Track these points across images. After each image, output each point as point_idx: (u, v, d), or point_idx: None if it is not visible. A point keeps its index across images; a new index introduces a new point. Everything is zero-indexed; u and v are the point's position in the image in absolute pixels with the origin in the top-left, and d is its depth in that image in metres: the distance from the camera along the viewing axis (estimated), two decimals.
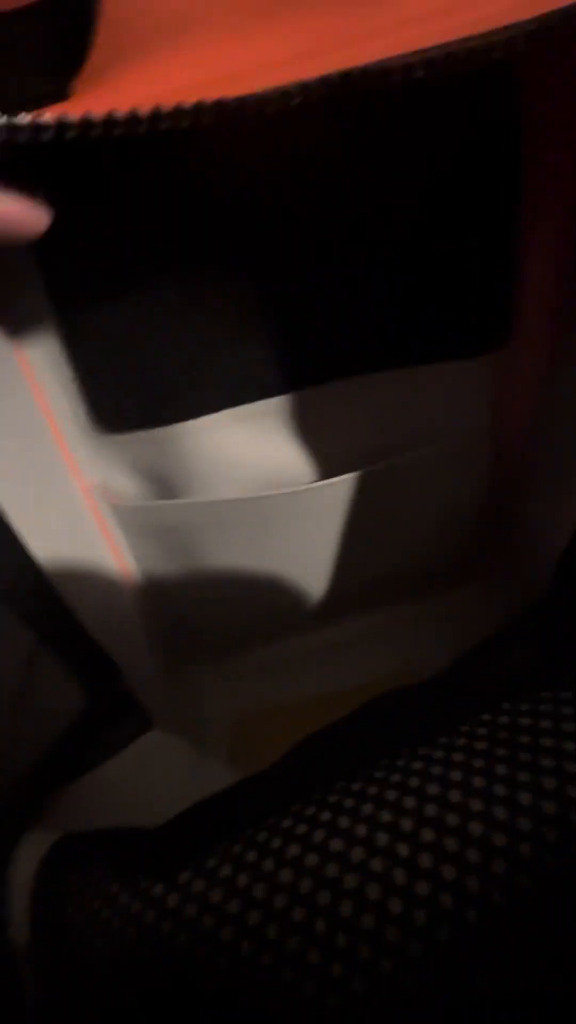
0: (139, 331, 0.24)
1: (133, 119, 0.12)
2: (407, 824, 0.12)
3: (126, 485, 0.30)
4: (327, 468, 0.31)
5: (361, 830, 0.12)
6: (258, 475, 0.30)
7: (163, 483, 0.29)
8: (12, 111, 0.14)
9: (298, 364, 0.26)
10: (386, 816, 0.12)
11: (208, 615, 0.39)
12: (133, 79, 0.14)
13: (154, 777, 0.26)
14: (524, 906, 0.11)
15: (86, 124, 0.13)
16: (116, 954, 0.13)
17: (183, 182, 0.21)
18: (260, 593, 0.37)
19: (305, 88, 0.12)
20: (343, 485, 0.31)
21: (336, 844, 0.12)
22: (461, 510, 0.36)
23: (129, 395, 0.26)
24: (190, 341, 0.24)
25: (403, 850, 0.12)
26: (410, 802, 0.13)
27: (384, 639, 0.42)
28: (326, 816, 0.13)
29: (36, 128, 0.13)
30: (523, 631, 0.18)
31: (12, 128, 0.13)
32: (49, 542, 0.28)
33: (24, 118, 0.13)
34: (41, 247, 0.21)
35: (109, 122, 0.12)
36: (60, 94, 0.14)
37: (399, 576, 0.41)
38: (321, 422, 0.29)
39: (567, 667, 0.14)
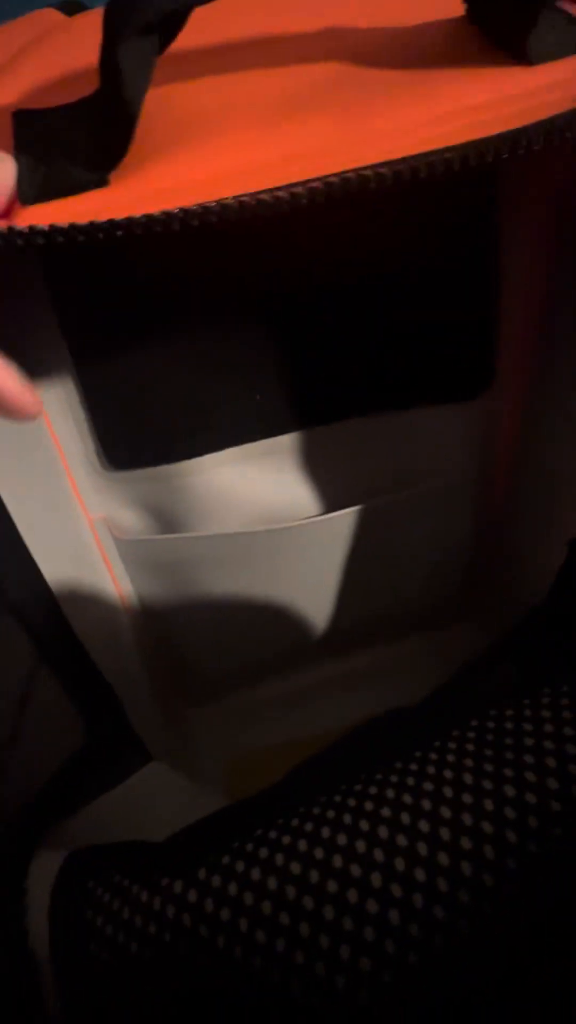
0: (148, 376, 0.26)
1: (167, 217, 0.14)
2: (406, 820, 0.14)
3: (130, 520, 0.31)
4: (327, 504, 0.33)
5: (364, 825, 0.14)
6: (259, 510, 0.32)
7: (166, 518, 0.31)
8: (58, 196, 0.17)
9: (300, 407, 0.28)
10: (386, 812, 0.14)
11: (205, 651, 0.39)
12: (164, 170, 0.17)
13: (155, 808, 0.27)
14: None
15: (133, 223, 0.14)
16: (139, 949, 0.13)
17: (195, 242, 0.23)
18: (259, 628, 0.38)
19: (311, 190, 0.15)
20: (342, 520, 0.33)
21: (342, 839, 0.13)
22: (453, 544, 0.38)
23: (137, 435, 0.28)
24: (197, 384, 0.27)
25: (401, 841, 0.13)
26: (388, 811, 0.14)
27: (377, 677, 0.43)
28: (331, 814, 0.14)
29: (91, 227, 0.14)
30: (504, 653, 0.20)
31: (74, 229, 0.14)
32: (56, 567, 0.29)
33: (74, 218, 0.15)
34: (57, 294, 0.23)
35: (149, 221, 0.14)
36: (100, 183, 0.17)
37: (395, 613, 0.42)
38: (321, 461, 0.31)
39: (545, 680, 0.16)
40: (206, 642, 0.39)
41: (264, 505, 0.32)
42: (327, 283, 0.25)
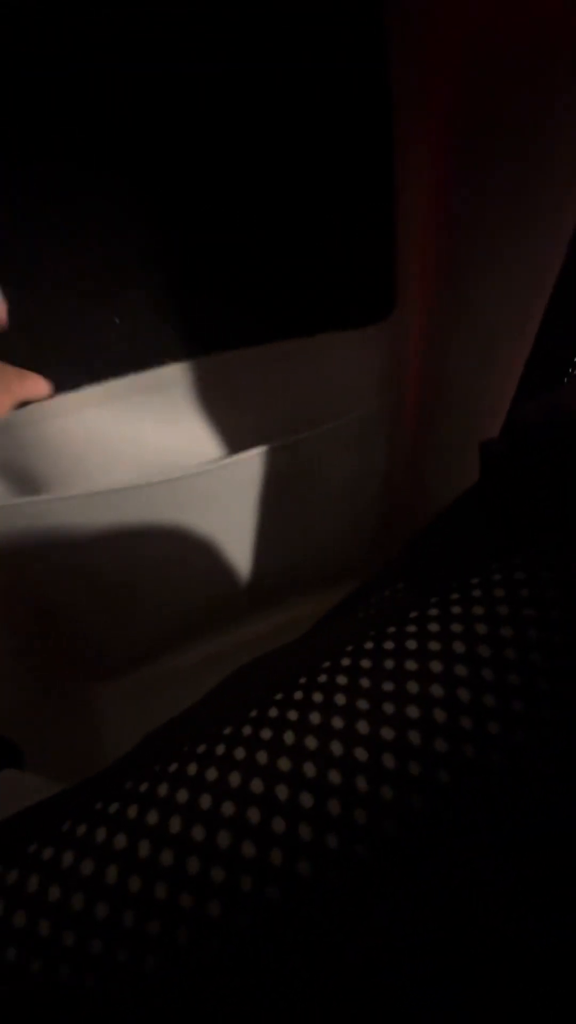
0: None
1: None
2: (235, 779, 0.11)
3: None
4: (235, 447, 0.29)
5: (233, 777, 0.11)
6: (155, 459, 0.27)
7: (27, 478, 0.26)
8: None
9: (173, 336, 0.24)
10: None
11: (99, 623, 0.35)
12: None
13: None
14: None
15: None
16: None
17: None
18: (165, 590, 0.34)
19: None
20: (251, 463, 0.29)
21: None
22: (371, 483, 0.35)
23: None
24: (37, 312, 0.22)
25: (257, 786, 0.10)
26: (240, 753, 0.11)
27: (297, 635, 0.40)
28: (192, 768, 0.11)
29: None
30: (396, 573, 0.17)
31: None
32: None
33: None
34: None
35: None
36: None
37: (309, 568, 0.39)
38: (221, 397, 0.27)
39: (430, 593, 0.13)
40: (103, 615, 0.35)
41: (160, 452, 0.28)
42: (208, 191, 0.21)
